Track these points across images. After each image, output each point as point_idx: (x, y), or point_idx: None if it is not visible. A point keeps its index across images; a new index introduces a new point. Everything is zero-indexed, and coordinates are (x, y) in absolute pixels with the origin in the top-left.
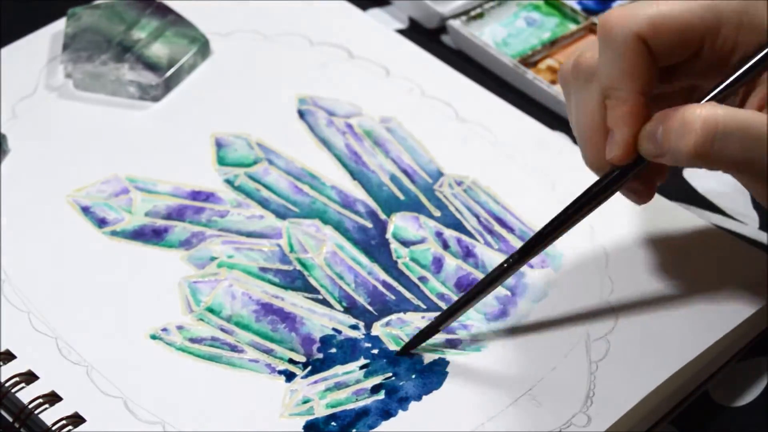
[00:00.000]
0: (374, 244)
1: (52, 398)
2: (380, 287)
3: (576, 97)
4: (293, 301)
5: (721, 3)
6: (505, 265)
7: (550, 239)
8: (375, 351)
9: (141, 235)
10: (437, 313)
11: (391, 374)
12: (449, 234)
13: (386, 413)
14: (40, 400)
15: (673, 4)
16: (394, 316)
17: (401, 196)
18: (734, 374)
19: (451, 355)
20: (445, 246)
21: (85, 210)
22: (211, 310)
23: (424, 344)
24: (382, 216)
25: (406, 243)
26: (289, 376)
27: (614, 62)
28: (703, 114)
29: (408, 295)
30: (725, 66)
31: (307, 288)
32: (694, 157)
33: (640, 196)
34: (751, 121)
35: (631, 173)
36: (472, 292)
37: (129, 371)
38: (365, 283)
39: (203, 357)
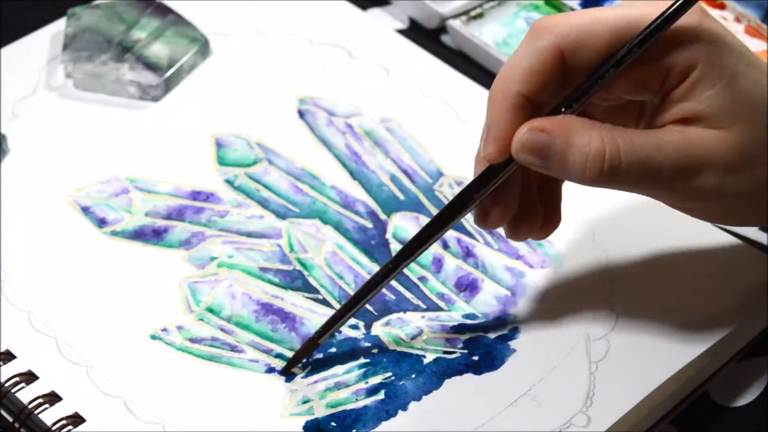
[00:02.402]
0: (374, 244)
1: (52, 398)
2: None
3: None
4: (293, 301)
5: (644, 17)
6: (381, 274)
7: (424, 246)
8: (375, 351)
9: (141, 235)
10: (438, 313)
11: (391, 374)
12: (449, 234)
13: (386, 413)
14: (40, 400)
15: (604, 15)
16: (393, 316)
17: (401, 196)
18: (734, 374)
19: (450, 356)
20: (445, 246)
21: (85, 210)
22: (211, 310)
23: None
24: (382, 216)
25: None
26: (289, 377)
27: (523, 58)
28: (602, 149)
29: (408, 294)
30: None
31: (307, 288)
32: (594, 182)
33: (512, 229)
34: (650, 147)
35: (501, 175)
36: (349, 304)
37: (129, 371)
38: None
39: (203, 357)
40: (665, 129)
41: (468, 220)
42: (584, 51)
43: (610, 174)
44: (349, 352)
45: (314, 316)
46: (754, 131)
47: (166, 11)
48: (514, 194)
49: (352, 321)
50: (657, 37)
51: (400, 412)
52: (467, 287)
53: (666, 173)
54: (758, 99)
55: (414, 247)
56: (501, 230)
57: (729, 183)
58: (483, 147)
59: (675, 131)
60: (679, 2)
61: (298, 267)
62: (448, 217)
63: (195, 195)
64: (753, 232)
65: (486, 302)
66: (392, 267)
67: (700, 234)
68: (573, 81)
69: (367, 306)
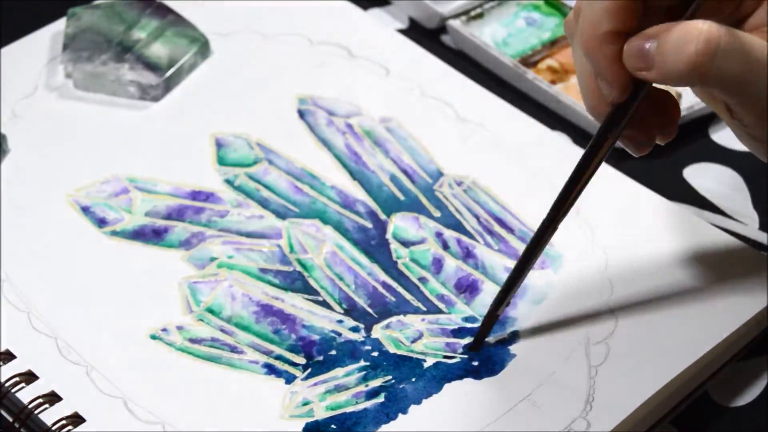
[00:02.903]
0: (374, 244)
1: (52, 398)
2: (380, 288)
3: (574, 45)
4: (293, 303)
5: None
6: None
7: (579, 188)
8: (375, 353)
9: (141, 235)
10: (438, 316)
11: (391, 377)
12: (449, 234)
13: (386, 416)
14: (40, 400)
15: None
16: (394, 319)
17: (401, 197)
18: (734, 374)
19: (450, 360)
20: (445, 246)
21: (85, 210)
22: (210, 311)
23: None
24: (382, 216)
25: (406, 243)
26: (289, 378)
27: (594, 5)
28: (706, 28)
29: (408, 296)
30: None
31: (307, 289)
32: (692, 70)
33: (638, 146)
34: (753, 42)
35: (632, 106)
36: (516, 271)
37: (129, 371)
38: (365, 284)
39: (203, 357)
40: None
41: (468, 220)
42: None
43: (710, 55)
44: (350, 354)
45: (314, 318)
46: None
47: (166, 11)
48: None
49: (352, 323)
50: None
51: (400, 415)
52: (467, 288)
53: (763, 59)
54: None
55: (567, 190)
56: (501, 231)
57: None
58: (607, 92)
59: None
60: None
61: (298, 268)
62: (589, 157)
63: (195, 195)
64: (753, 233)
65: (486, 304)
66: (553, 215)
67: (700, 235)
68: (653, 10)
69: (367, 308)
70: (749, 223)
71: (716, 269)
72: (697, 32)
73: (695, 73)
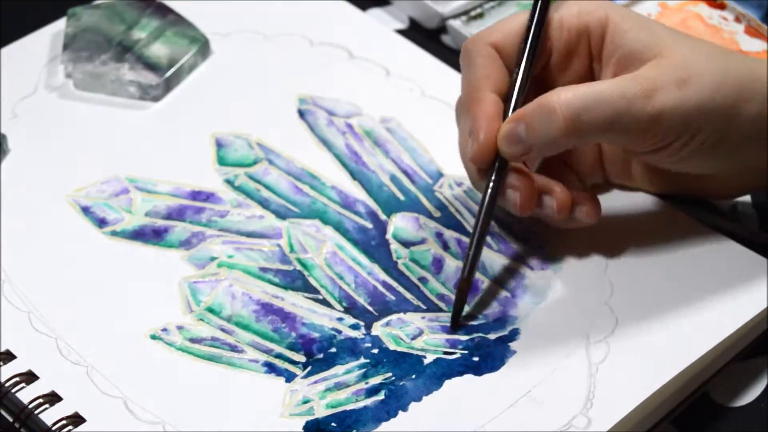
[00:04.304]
0: (374, 244)
1: (52, 398)
2: (380, 287)
3: (458, 129)
4: (293, 301)
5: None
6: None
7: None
8: (375, 351)
9: (141, 235)
10: (438, 314)
11: (391, 374)
12: (449, 235)
13: (386, 414)
14: (40, 400)
15: (517, 15)
16: (394, 316)
17: (401, 197)
18: (734, 374)
19: (450, 357)
20: (445, 247)
21: (85, 210)
22: (211, 310)
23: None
24: (382, 216)
25: (406, 243)
26: (289, 377)
27: (472, 72)
28: (561, 97)
29: (408, 295)
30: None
31: (307, 288)
32: (567, 135)
33: (521, 207)
34: (597, 88)
35: (499, 174)
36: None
37: (129, 371)
38: (365, 283)
39: (203, 357)
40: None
41: (468, 221)
42: (511, 41)
43: (575, 120)
44: (350, 352)
45: (314, 316)
46: (686, 50)
47: (166, 11)
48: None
49: (352, 321)
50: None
51: (400, 412)
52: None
53: (624, 101)
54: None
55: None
56: (501, 231)
57: (685, 96)
58: (470, 154)
59: (621, 76)
60: None
61: (299, 267)
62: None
63: (195, 195)
64: (753, 233)
65: (486, 303)
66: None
67: (700, 236)
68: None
69: (367, 306)
70: (749, 225)
71: (716, 270)
72: (554, 103)
73: (571, 135)
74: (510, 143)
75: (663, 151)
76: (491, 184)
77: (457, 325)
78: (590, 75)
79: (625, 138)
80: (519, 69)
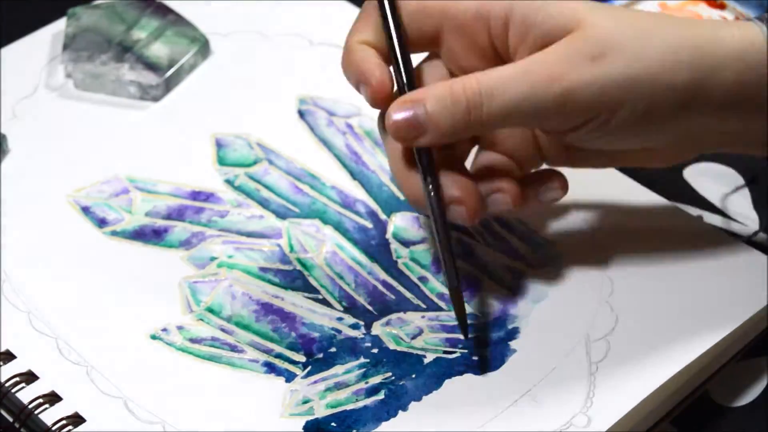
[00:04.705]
0: (374, 244)
1: (52, 398)
2: (380, 287)
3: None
4: (293, 301)
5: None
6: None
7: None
8: (375, 350)
9: (141, 235)
10: (438, 313)
11: (391, 374)
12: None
13: (386, 413)
14: (40, 400)
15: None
16: (394, 316)
17: (401, 197)
18: (734, 374)
19: (451, 356)
20: None
21: (85, 210)
22: (211, 310)
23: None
24: (383, 216)
25: (406, 243)
26: (289, 376)
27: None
28: (465, 84)
29: (408, 294)
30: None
31: (307, 288)
32: (470, 124)
33: (470, 219)
34: (502, 73)
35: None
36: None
37: (129, 371)
38: (365, 283)
39: (203, 357)
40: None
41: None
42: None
43: (478, 108)
44: (350, 351)
45: (314, 316)
46: (606, 21)
47: (166, 11)
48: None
49: (352, 320)
50: None
51: (400, 412)
52: (467, 287)
53: (527, 85)
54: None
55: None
56: (501, 230)
57: (598, 72)
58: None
59: (528, 57)
60: None
61: (298, 267)
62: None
63: (195, 195)
64: (753, 233)
65: (486, 302)
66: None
67: (700, 235)
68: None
69: (367, 306)
70: (749, 225)
71: (716, 269)
72: (453, 96)
73: (481, 125)
74: (406, 126)
75: (582, 129)
76: (431, 194)
77: (467, 330)
78: (498, 58)
79: (535, 122)
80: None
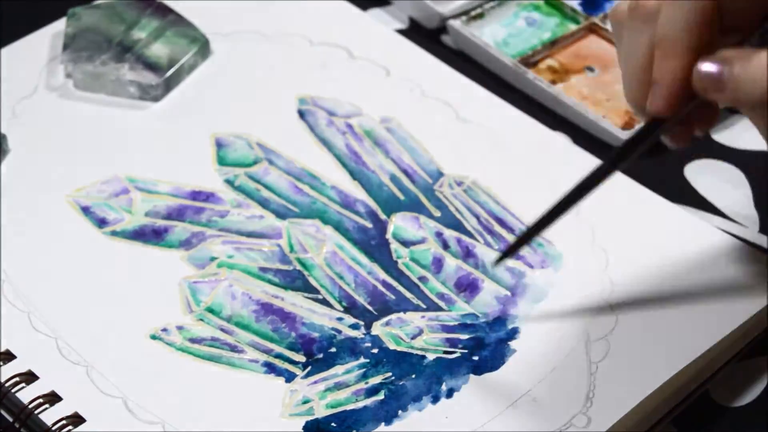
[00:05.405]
0: (374, 244)
1: (52, 398)
2: (380, 287)
3: (629, 36)
4: (293, 301)
5: None
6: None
7: (590, 191)
8: (375, 350)
9: (141, 235)
10: (438, 313)
11: (391, 374)
12: (449, 234)
13: (386, 413)
14: (40, 400)
15: None
16: (394, 316)
17: (401, 197)
18: (734, 374)
19: (451, 356)
20: (445, 246)
21: (85, 210)
22: (211, 311)
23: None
24: (382, 216)
25: (406, 243)
26: (289, 377)
27: (681, 15)
28: None
29: (408, 294)
30: None
31: (307, 288)
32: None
33: (677, 140)
34: None
35: (670, 123)
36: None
37: (129, 371)
38: (365, 283)
39: (203, 357)
40: None
41: (468, 220)
42: None
43: None
44: (350, 352)
45: (314, 316)
46: None
47: (166, 11)
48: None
49: (352, 321)
50: None
51: (400, 412)
52: (467, 287)
53: None
54: None
55: (582, 187)
56: (501, 231)
57: None
58: (651, 102)
59: None
60: None
61: (298, 267)
62: (613, 162)
63: (195, 195)
64: (753, 235)
65: (486, 302)
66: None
67: (701, 235)
68: (726, 30)
69: (367, 306)
70: (749, 226)
71: (716, 268)
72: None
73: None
74: (710, 81)
75: None
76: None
77: (499, 261)
78: None
79: None
80: None
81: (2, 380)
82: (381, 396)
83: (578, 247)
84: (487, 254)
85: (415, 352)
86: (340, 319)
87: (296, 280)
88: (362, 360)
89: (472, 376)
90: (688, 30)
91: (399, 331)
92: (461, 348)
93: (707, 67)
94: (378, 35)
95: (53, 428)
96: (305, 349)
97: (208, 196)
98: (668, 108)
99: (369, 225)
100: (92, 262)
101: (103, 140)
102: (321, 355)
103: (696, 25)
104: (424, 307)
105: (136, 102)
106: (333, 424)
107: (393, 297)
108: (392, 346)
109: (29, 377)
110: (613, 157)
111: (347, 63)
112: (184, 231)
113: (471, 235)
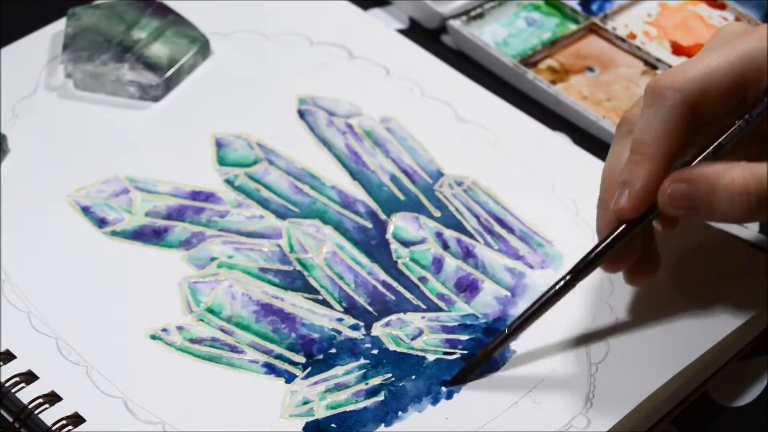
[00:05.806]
0: (374, 244)
1: (52, 398)
2: (380, 287)
3: (614, 145)
4: (293, 302)
5: (755, 50)
6: (557, 286)
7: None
8: (375, 351)
9: (141, 235)
10: (438, 313)
11: (391, 375)
12: (449, 234)
13: (386, 414)
14: (40, 400)
15: (717, 61)
16: (394, 317)
17: (401, 197)
18: (734, 374)
19: (451, 357)
20: (445, 246)
21: (85, 210)
22: (211, 311)
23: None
24: (382, 216)
25: (406, 243)
26: (289, 377)
27: (656, 123)
28: (750, 184)
29: (408, 295)
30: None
31: (307, 288)
32: (742, 220)
33: (666, 225)
34: None
35: (639, 227)
36: (519, 320)
37: (129, 371)
38: (365, 283)
39: (203, 357)
40: None
41: (468, 220)
42: (710, 100)
43: (758, 206)
44: (350, 352)
45: (314, 317)
46: None
47: (166, 11)
48: (638, 242)
49: (352, 321)
50: None
51: (400, 413)
52: (467, 288)
53: None
54: None
55: (557, 292)
56: (501, 231)
57: None
58: (616, 203)
59: None
60: None
61: (298, 267)
62: (583, 269)
63: (195, 195)
64: (753, 236)
65: (486, 303)
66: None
67: (701, 234)
68: (699, 131)
69: (367, 306)
70: (749, 227)
71: (716, 269)
72: (737, 191)
73: (749, 220)
74: (676, 203)
75: None
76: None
77: (457, 382)
78: None
79: None
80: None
81: (2, 380)
82: (381, 397)
83: (578, 247)
84: (487, 255)
85: (415, 353)
86: (340, 320)
87: (296, 281)
88: (362, 361)
89: (472, 377)
90: (659, 138)
91: (399, 331)
92: (461, 349)
93: (677, 186)
94: (378, 35)
95: (53, 428)
96: (305, 350)
97: (208, 196)
98: (633, 211)
99: (369, 225)
100: (92, 262)
101: (103, 140)
102: (321, 356)
103: (670, 132)
104: (424, 307)
105: (136, 102)
106: (333, 425)
107: (393, 297)
108: (392, 347)
109: (29, 377)
110: (576, 270)
111: (347, 63)
112: (184, 231)
113: (471, 236)
